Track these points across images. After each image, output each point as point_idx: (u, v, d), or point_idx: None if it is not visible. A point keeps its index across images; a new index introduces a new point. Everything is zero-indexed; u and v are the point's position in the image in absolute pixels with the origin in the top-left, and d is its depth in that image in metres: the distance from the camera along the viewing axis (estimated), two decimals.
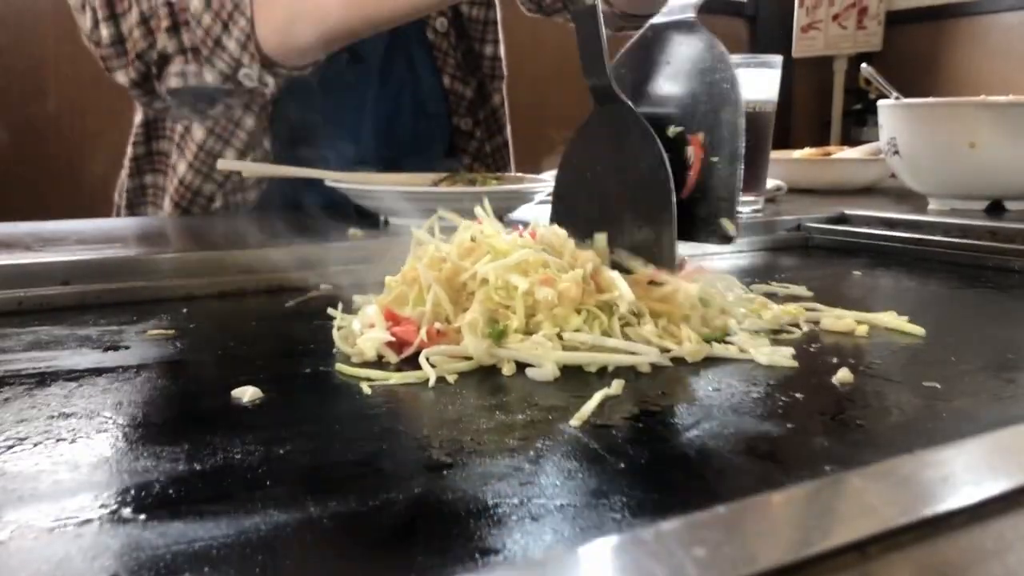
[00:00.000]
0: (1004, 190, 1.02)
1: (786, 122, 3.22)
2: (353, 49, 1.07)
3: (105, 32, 0.90)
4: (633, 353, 0.49)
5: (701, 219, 0.56)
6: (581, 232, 0.57)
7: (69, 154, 2.04)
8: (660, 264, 0.54)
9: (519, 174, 1.05)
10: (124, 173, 1.18)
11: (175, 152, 1.11)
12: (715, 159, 0.54)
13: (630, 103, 0.57)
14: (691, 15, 0.58)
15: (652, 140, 0.55)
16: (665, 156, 0.54)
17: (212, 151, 1.06)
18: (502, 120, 1.27)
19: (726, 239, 0.55)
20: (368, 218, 0.94)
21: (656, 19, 0.60)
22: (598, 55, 0.56)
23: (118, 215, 1.20)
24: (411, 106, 1.17)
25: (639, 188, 0.56)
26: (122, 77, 0.93)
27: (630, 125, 0.56)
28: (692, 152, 0.54)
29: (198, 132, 1.06)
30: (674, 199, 0.53)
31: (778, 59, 1.03)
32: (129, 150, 1.17)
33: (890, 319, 0.58)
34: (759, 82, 1.02)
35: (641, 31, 0.61)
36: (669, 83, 0.58)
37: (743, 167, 0.54)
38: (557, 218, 0.62)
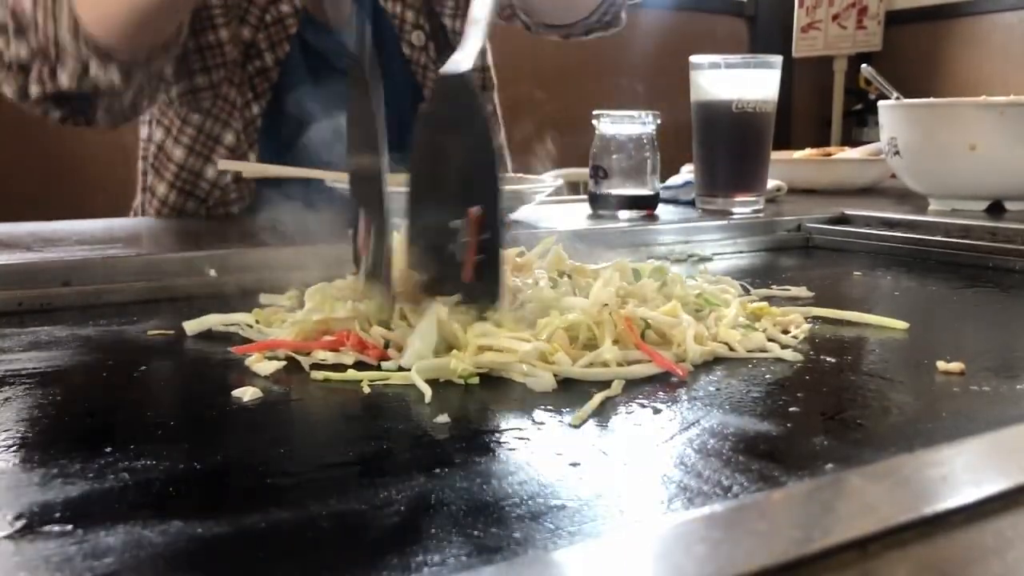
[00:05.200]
0: (1004, 190, 1.02)
1: (786, 122, 3.22)
2: (332, 65, 1.06)
3: None
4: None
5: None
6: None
7: (70, 155, 2.05)
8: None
9: (519, 175, 1.05)
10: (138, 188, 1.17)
11: (151, 173, 1.08)
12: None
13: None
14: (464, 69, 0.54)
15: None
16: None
17: (193, 168, 1.04)
18: (492, 128, 1.26)
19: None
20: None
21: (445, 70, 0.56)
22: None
23: None
24: (394, 122, 1.17)
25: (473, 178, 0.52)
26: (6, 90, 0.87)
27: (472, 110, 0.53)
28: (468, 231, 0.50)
29: (176, 151, 1.04)
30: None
31: (778, 59, 1.03)
32: (140, 164, 1.16)
33: (884, 319, 0.58)
34: (759, 82, 1.02)
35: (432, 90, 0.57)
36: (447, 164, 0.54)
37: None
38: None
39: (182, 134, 1.04)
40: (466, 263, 0.50)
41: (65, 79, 0.82)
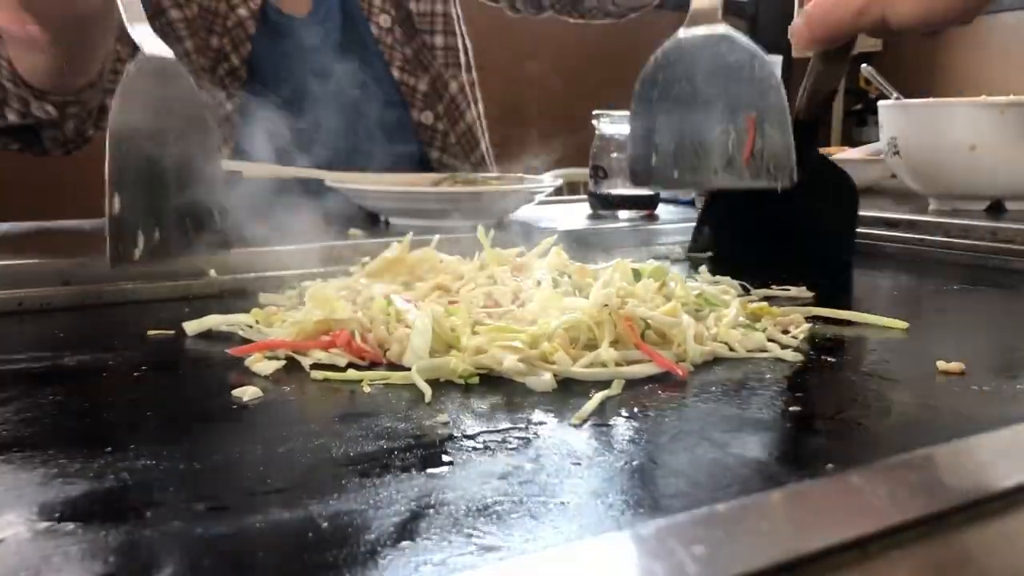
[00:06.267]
0: (1004, 190, 1.02)
1: None
2: (303, 46, 1.14)
3: None
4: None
5: (760, 173, 0.66)
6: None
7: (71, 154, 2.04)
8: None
9: (519, 174, 1.05)
10: None
11: None
12: (767, 129, 0.65)
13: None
14: (720, 29, 0.67)
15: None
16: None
17: None
18: (462, 106, 1.30)
19: (783, 182, 0.65)
20: (368, 218, 0.94)
21: (686, 33, 0.68)
22: None
23: None
24: (369, 101, 1.21)
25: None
26: None
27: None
28: (747, 129, 0.66)
29: None
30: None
31: (778, 59, 1.03)
32: None
33: (884, 319, 0.58)
34: None
35: (673, 43, 0.69)
36: (719, 82, 0.67)
37: (792, 135, 0.65)
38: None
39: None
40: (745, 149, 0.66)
41: (12, 115, 0.93)
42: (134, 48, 0.60)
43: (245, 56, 1.14)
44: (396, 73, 1.23)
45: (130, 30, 0.61)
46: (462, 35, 1.30)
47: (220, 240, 0.65)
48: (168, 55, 0.62)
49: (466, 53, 1.31)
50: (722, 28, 0.67)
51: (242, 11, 1.13)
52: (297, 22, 1.18)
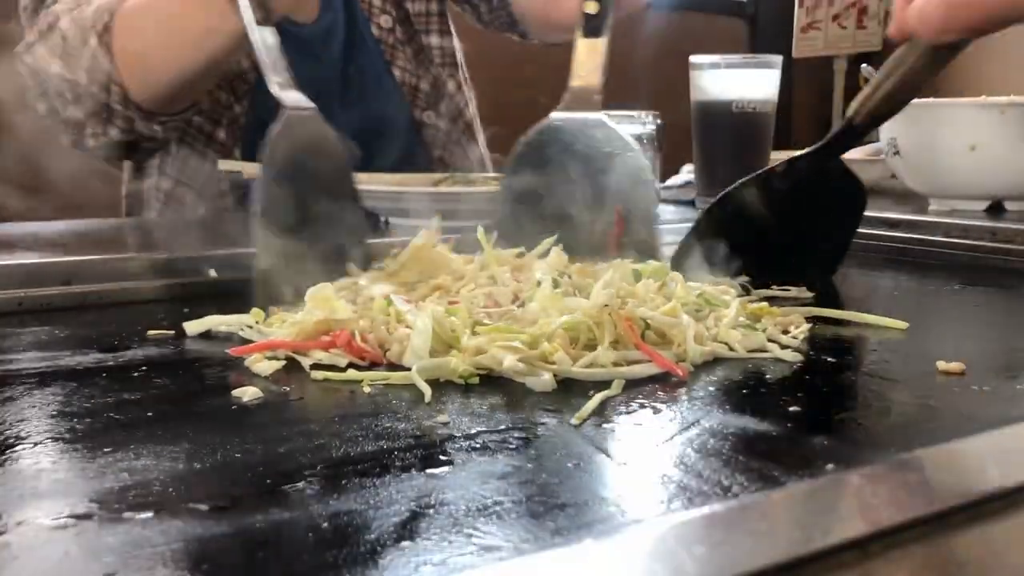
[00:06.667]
0: (1004, 190, 1.02)
1: (786, 122, 3.21)
2: (313, 52, 1.17)
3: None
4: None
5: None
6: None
7: (70, 154, 2.04)
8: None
9: None
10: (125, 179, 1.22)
11: (156, 172, 1.18)
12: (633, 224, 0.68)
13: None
14: (596, 115, 0.69)
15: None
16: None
17: (188, 161, 1.15)
18: (460, 104, 1.31)
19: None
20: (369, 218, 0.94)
21: (560, 115, 0.70)
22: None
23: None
24: (372, 101, 1.22)
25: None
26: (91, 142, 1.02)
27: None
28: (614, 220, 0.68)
29: (175, 148, 1.15)
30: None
31: (778, 59, 1.03)
32: (123, 188, 1.22)
33: (885, 319, 0.58)
34: (759, 82, 1.02)
35: (547, 124, 0.70)
36: (591, 169, 0.69)
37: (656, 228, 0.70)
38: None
39: (181, 132, 1.14)
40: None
41: (115, 133, 0.99)
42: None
43: (255, 60, 1.15)
44: (398, 73, 1.24)
45: (271, 85, 0.66)
46: (454, 34, 1.32)
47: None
48: (309, 107, 0.67)
49: (459, 52, 1.32)
50: (598, 115, 0.68)
51: None
52: (306, 28, 1.19)
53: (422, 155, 1.26)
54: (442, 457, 0.36)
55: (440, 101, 1.28)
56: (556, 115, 0.70)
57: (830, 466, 0.35)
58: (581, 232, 0.67)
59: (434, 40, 1.27)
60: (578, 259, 0.63)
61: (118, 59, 0.95)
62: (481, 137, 1.35)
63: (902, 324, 0.57)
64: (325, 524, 0.30)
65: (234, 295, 0.65)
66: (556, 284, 0.55)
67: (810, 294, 0.67)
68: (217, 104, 1.13)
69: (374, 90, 1.22)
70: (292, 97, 0.67)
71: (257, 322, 0.56)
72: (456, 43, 1.31)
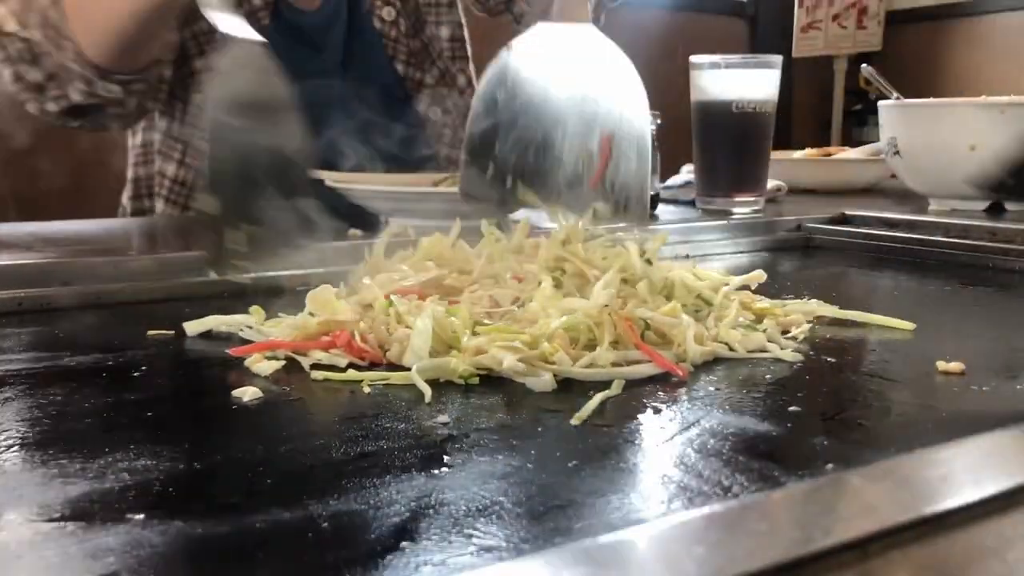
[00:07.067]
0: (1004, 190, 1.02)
1: (786, 122, 3.21)
2: (312, 41, 1.15)
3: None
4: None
5: (611, 207, 0.59)
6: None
7: (70, 153, 2.04)
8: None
9: None
10: (128, 182, 1.21)
11: (160, 158, 1.17)
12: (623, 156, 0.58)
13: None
14: (586, 20, 0.60)
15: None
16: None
17: (196, 148, 1.14)
18: (470, 100, 1.28)
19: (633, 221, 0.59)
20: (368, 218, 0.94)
21: (544, 25, 0.61)
22: None
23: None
24: (375, 97, 1.21)
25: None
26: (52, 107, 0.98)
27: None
28: (599, 149, 0.58)
29: (184, 131, 1.15)
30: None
31: (778, 59, 1.03)
32: (129, 171, 1.21)
33: (890, 320, 0.58)
34: (759, 82, 1.02)
35: (532, 30, 0.61)
36: (569, 84, 0.59)
37: (650, 163, 0.58)
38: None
39: (187, 115, 1.14)
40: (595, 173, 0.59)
41: (76, 95, 0.95)
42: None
43: None
44: (400, 67, 1.21)
45: (208, 15, 0.60)
46: (465, 25, 1.29)
47: (312, 232, 0.61)
48: (258, 39, 0.61)
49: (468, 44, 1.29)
50: (588, 26, 0.59)
51: (256, 1, 1.13)
52: (307, 15, 1.17)
53: (427, 152, 1.23)
54: (442, 457, 0.36)
55: (447, 97, 1.25)
56: (537, 27, 0.61)
57: (830, 466, 0.35)
58: (560, 164, 0.58)
59: (444, 32, 1.24)
60: (555, 200, 0.56)
61: (68, 11, 0.92)
62: None
63: (909, 325, 0.57)
64: (325, 524, 0.30)
65: (234, 295, 0.66)
66: (557, 284, 0.55)
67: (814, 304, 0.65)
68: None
69: (376, 84, 1.20)
70: (231, 23, 0.60)
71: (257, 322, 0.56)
72: (466, 35, 1.28)
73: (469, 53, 1.28)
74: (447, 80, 1.26)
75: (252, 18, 1.12)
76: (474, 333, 0.49)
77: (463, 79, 1.27)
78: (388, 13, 1.20)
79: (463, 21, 1.28)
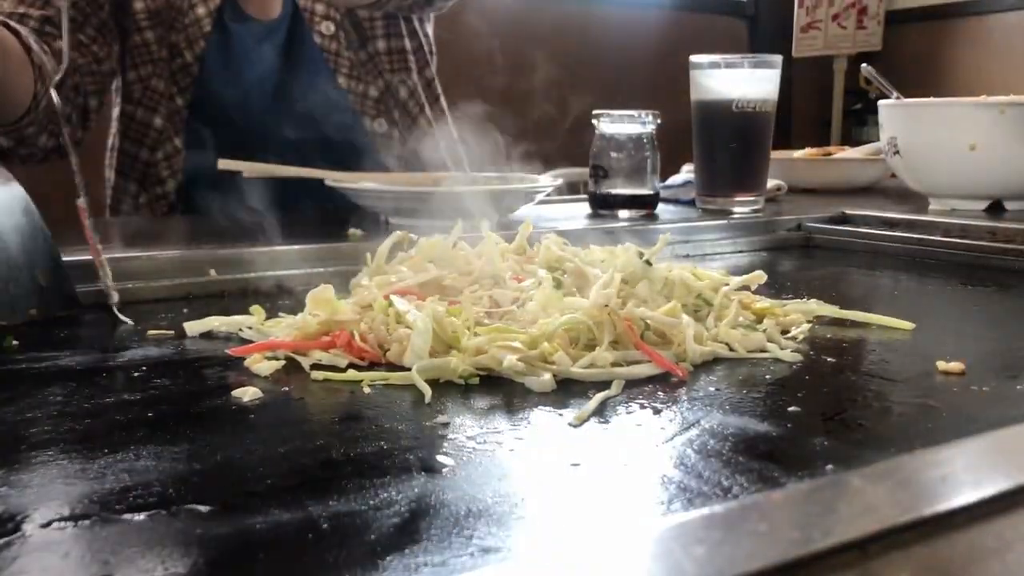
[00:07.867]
0: (1004, 190, 1.02)
1: (786, 122, 3.22)
2: (250, 52, 1.17)
3: None
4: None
5: None
6: None
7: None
8: None
9: (521, 174, 1.05)
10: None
11: (109, 168, 1.23)
12: None
13: None
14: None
15: None
16: None
17: (129, 152, 1.19)
18: (413, 111, 1.28)
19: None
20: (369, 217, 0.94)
21: None
22: None
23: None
24: (316, 109, 1.20)
25: None
26: None
27: None
28: None
29: (116, 139, 1.20)
30: None
31: (778, 59, 1.03)
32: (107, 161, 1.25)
33: (891, 320, 0.58)
34: (759, 81, 1.02)
35: None
36: None
37: None
38: None
39: (120, 123, 1.20)
40: None
41: None
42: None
43: (198, 53, 1.17)
44: (343, 81, 1.21)
45: None
46: (414, 35, 1.28)
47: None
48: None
49: (419, 52, 1.29)
50: None
51: (200, 10, 1.16)
52: (249, 26, 1.18)
53: (378, 164, 1.22)
54: (442, 457, 0.36)
55: (394, 108, 1.25)
56: None
57: (830, 466, 0.35)
58: None
59: (381, 45, 1.24)
60: None
61: None
62: (454, 138, 1.31)
63: (908, 324, 0.57)
64: (325, 524, 0.30)
65: (234, 295, 0.65)
66: (557, 284, 0.55)
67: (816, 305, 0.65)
68: (154, 93, 1.15)
69: (318, 98, 1.20)
70: None
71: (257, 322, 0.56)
72: (414, 44, 1.28)
73: (411, 64, 1.27)
74: (392, 91, 1.25)
75: (195, 26, 1.15)
76: (474, 333, 0.49)
77: (404, 91, 1.27)
78: (327, 28, 1.20)
79: (415, 31, 1.28)
